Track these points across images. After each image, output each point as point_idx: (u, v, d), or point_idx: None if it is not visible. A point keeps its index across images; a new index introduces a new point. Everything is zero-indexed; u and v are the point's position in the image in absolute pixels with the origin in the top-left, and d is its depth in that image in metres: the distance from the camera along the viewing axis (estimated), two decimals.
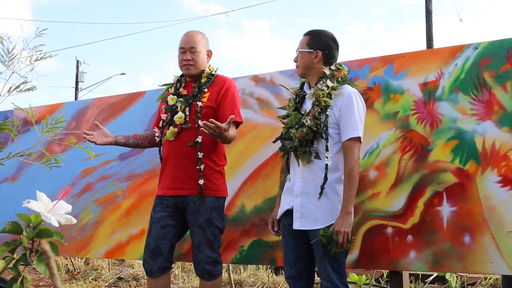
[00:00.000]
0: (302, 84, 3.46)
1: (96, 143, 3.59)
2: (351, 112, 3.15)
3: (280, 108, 3.68)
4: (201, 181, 3.49)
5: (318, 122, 3.15)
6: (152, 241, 3.57)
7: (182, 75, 3.78)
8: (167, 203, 3.58)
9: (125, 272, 7.10)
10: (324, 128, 3.15)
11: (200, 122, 3.32)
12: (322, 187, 3.13)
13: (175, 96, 3.66)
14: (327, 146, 3.14)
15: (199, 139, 3.48)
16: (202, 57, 3.66)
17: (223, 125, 3.20)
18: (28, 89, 2.71)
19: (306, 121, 3.15)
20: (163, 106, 3.73)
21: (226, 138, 3.39)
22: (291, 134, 3.23)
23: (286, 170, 3.42)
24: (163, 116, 3.68)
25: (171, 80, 3.86)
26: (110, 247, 4.93)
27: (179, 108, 3.59)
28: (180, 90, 3.70)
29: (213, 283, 3.54)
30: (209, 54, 3.76)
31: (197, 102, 3.55)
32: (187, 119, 3.55)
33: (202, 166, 3.50)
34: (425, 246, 3.58)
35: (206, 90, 3.61)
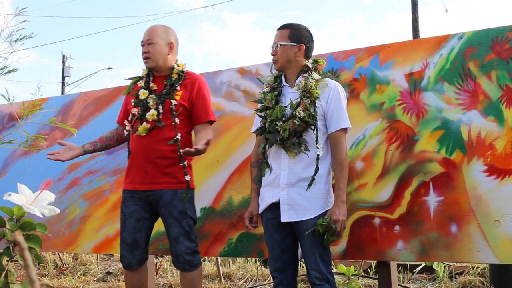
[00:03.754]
0: (276, 78, 3.45)
1: (62, 160, 3.62)
2: (339, 103, 3.23)
3: (254, 101, 3.64)
4: (187, 177, 3.53)
5: (310, 113, 3.16)
6: (129, 236, 3.59)
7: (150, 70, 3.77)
8: (138, 196, 3.60)
9: (113, 267, 7.09)
10: (314, 120, 3.17)
11: (182, 151, 3.33)
12: (313, 178, 3.15)
13: (147, 91, 3.64)
14: (317, 137, 3.17)
15: (179, 136, 3.50)
16: (158, 49, 3.62)
17: (200, 147, 3.26)
18: (9, 71, 2.65)
19: (300, 113, 3.15)
20: (133, 100, 3.69)
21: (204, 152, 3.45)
22: (278, 127, 3.22)
23: (263, 163, 3.40)
24: (134, 110, 3.65)
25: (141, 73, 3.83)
26: (98, 242, 4.90)
27: (151, 104, 3.57)
28: (151, 85, 3.68)
29: (194, 273, 3.56)
30: (172, 46, 3.67)
31: (171, 100, 3.55)
32: (160, 116, 3.55)
33: (185, 162, 3.53)
34: (412, 236, 3.59)
35: (178, 88, 3.61)
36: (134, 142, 3.64)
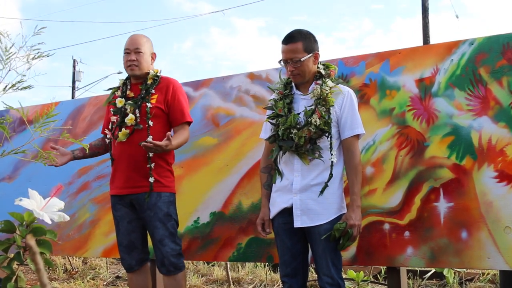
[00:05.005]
0: (286, 85, 3.41)
1: (56, 166, 3.68)
2: (353, 109, 3.24)
3: (265, 108, 3.55)
4: (151, 179, 3.58)
5: (325, 120, 3.15)
6: (124, 238, 3.70)
7: (127, 78, 3.85)
8: (125, 200, 3.67)
9: (123, 271, 7.09)
10: (329, 127, 3.16)
11: (143, 142, 3.39)
12: (326, 184, 3.16)
13: (123, 99, 3.73)
14: (331, 144, 3.17)
15: (150, 139, 3.52)
16: (146, 59, 3.72)
17: (163, 142, 3.35)
18: (25, 88, 2.69)
19: (316, 121, 3.14)
20: (112, 109, 3.78)
21: (172, 149, 3.56)
22: (293, 135, 3.19)
23: (273, 169, 3.38)
24: (113, 118, 3.74)
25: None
26: (108, 246, 4.92)
27: (128, 110, 3.66)
28: (127, 92, 3.77)
29: (180, 276, 3.61)
30: (153, 56, 3.82)
31: (146, 104, 3.63)
32: (138, 120, 3.62)
33: (152, 165, 3.59)
34: (422, 242, 3.58)
35: (153, 91, 3.69)
36: (116, 149, 3.72)
